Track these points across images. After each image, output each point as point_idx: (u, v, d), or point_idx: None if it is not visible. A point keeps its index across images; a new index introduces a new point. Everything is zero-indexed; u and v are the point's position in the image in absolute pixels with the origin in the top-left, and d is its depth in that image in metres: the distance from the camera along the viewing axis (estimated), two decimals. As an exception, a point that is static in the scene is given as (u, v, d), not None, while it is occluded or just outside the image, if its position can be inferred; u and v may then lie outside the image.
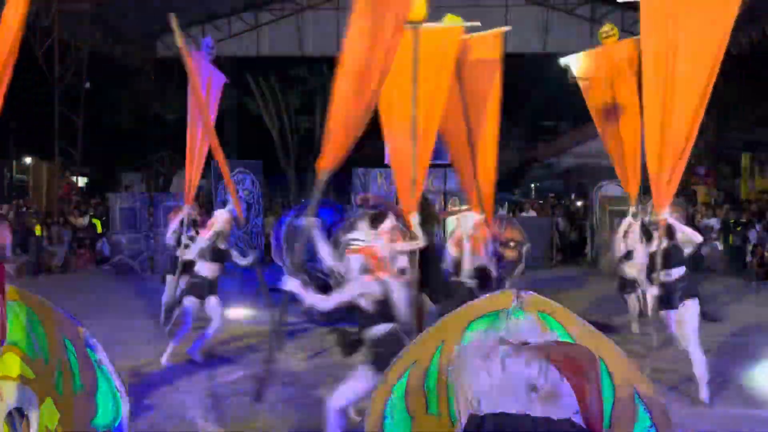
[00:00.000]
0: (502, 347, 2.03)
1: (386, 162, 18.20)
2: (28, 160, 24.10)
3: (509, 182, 35.69)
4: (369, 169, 17.81)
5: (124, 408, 3.27)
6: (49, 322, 3.26)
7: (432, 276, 6.22)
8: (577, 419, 1.98)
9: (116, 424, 3.27)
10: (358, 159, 25.12)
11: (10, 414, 3.14)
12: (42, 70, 16.95)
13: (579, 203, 20.21)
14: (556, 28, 20.29)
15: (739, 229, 14.11)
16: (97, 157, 24.75)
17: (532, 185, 36.03)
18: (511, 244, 10.14)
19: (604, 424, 2.13)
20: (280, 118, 26.65)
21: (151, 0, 18.68)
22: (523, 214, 17.15)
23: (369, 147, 30.21)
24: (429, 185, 17.29)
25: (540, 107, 39.65)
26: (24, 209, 14.04)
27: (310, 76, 24.41)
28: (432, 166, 18.92)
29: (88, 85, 17.81)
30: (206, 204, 18.83)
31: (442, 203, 17.30)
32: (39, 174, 16.96)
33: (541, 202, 21.51)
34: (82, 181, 23.17)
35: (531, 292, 2.88)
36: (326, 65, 23.94)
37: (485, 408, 2.00)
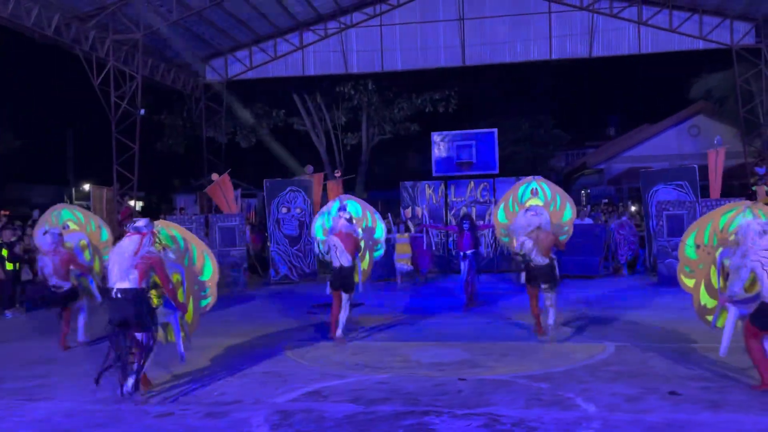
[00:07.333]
0: None
1: (434, 174, 18.24)
2: (86, 186, 24.98)
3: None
4: (417, 182, 17.85)
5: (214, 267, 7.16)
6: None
7: None
8: None
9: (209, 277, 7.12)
10: (405, 172, 25.23)
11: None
12: (98, 100, 17.59)
13: (633, 208, 19.79)
14: (602, 32, 19.99)
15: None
16: (152, 181, 25.44)
17: (582, 192, 35.45)
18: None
19: None
20: (327, 135, 27.02)
21: (198, 27, 19.24)
22: (577, 221, 16.80)
23: (415, 160, 30.21)
24: (477, 195, 17.24)
25: (587, 113, 38.91)
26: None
27: (355, 93, 24.67)
28: (480, 176, 18.78)
29: (142, 112, 18.37)
30: (258, 224, 19.16)
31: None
32: (98, 199, 17.48)
33: (591, 207, 21.09)
34: (138, 205, 23.84)
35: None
36: (371, 81, 24.21)
37: None
